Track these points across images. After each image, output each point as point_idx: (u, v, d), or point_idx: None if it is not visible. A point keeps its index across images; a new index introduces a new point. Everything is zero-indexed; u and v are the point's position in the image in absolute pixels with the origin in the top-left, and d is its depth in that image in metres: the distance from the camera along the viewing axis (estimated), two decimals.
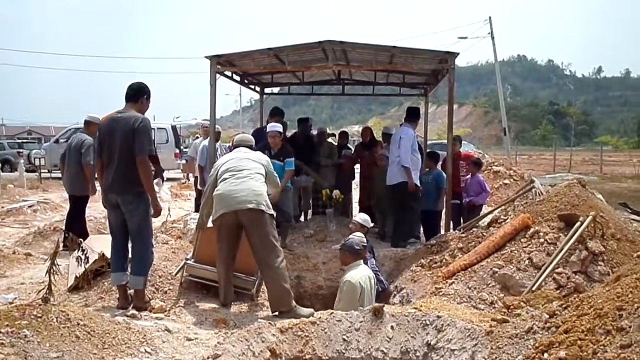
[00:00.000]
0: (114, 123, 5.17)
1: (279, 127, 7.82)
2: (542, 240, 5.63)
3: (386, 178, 8.53)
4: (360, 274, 5.69)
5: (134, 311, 4.99)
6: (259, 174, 5.58)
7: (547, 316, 3.56)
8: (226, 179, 5.48)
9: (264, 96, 13.39)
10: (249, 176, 5.47)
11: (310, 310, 5.15)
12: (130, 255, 5.32)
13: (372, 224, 10.43)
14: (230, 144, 10.14)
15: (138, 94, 5.34)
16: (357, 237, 6.44)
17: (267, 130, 7.78)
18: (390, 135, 9.81)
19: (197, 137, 12.71)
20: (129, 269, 5.22)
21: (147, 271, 5.34)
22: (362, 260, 5.92)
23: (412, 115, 8.85)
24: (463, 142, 10.93)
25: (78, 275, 5.66)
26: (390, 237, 8.69)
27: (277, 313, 5.20)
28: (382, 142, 10.25)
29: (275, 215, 5.52)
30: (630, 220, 7.45)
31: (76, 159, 8.02)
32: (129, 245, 5.34)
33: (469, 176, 9.08)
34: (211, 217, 5.57)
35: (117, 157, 5.12)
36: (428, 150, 10.19)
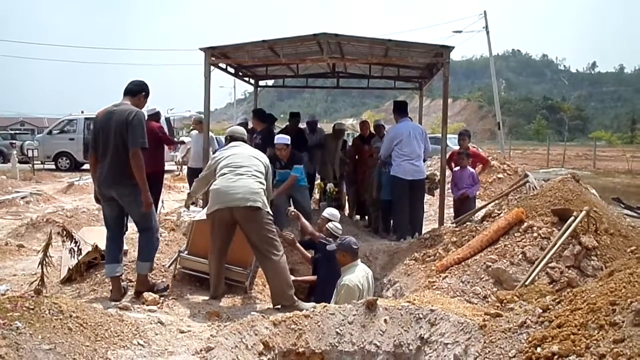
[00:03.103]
0: (109, 116, 5.16)
1: (286, 139, 7.93)
2: (535, 234, 5.64)
3: (406, 172, 8.38)
4: (358, 275, 5.66)
5: (126, 303, 4.99)
6: (258, 172, 5.53)
7: (540, 310, 3.56)
8: (224, 174, 5.44)
9: (259, 89, 13.37)
10: (247, 173, 5.42)
11: (312, 304, 5.15)
12: (123, 246, 5.43)
13: (357, 217, 10.49)
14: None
15: (137, 90, 5.40)
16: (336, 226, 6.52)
17: (275, 142, 7.89)
18: (383, 127, 9.89)
19: (192, 129, 12.66)
20: (136, 257, 5.35)
21: (153, 256, 5.46)
22: (359, 260, 5.91)
23: (406, 109, 8.93)
24: (456, 136, 10.93)
25: (71, 267, 5.65)
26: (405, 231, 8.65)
27: (278, 306, 5.21)
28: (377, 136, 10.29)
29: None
30: (623, 215, 7.47)
31: None
32: (124, 237, 5.43)
33: (457, 168, 9.04)
34: (206, 209, 5.56)
35: (111, 150, 5.11)
36: None
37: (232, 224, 5.38)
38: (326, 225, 6.63)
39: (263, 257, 5.32)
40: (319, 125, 11.24)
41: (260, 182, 5.44)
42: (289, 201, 8.11)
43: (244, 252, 5.66)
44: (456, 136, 10.37)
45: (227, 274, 5.69)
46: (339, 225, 6.70)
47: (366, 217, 10.49)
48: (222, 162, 5.58)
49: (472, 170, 8.86)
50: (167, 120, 23.75)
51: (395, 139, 8.37)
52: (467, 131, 9.85)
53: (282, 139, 7.87)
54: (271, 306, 5.32)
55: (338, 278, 5.86)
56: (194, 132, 11.89)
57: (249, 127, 10.21)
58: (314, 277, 6.54)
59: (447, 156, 8.98)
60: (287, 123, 10.77)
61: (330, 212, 7.04)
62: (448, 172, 9.26)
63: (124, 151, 5.06)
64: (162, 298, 5.25)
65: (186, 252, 5.90)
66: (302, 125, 11.13)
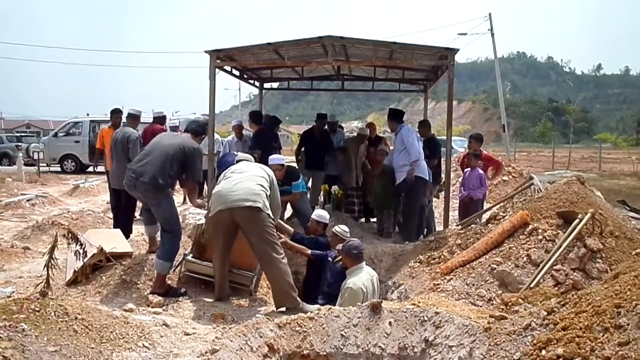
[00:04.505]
0: (172, 139, 5.93)
1: (280, 159, 7.97)
2: (540, 237, 5.63)
3: (426, 172, 8.66)
4: (362, 278, 5.64)
5: (131, 305, 5.00)
6: (262, 178, 5.59)
7: (545, 313, 3.55)
8: (227, 177, 5.58)
9: (264, 91, 13.39)
10: (249, 178, 5.51)
11: (316, 306, 5.15)
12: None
13: (361, 219, 10.45)
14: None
15: (201, 132, 6.17)
16: (341, 229, 6.52)
17: (270, 163, 7.84)
18: None
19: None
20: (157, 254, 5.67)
21: (173, 258, 5.66)
22: (364, 263, 5.91)
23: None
24: (461, 138, 10.96)
25: (76, 270, 5.66)
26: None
27: (283, 309, 5.22)
28: (385, 139, 10.29)
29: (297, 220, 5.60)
30: (628, 217, 7.45)
31: (123, 153, 7.99)
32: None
33: (467, 169, 9.04)
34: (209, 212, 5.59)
35: (156, 155, 5.62)
36: None
37: (234, 226, 5.39)
38: (332, 230, 6.64)
39: (264, 260, 5.32)
40: None
41: (262, 186, 5.46)
42: (285, 206, 8.15)
43: (249, 255, 5.66)
44: (461, 138, 10.39)
45: (232, 277, 5.71)
46: (346, 228, 6.70)
47: (370, 220, 10.45)
48: (226, 173, 5.77)
49: (480, 172, 8.84)
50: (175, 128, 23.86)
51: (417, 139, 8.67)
52: (477, 134, 9.82)
53: (277, 159, 7.81)
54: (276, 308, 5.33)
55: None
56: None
57: (244, 129, 10.37)
58: (308, 251, 6.63)
59: (459, 159, 9.06)
60: (313, 124, 10.89)
61: (318, 213, 7.16)
62: (453, 175, 9.28)
63: (168, 167, 5.55)
64: (167, 300, 5.27)
65: (191, 255, 5.92)
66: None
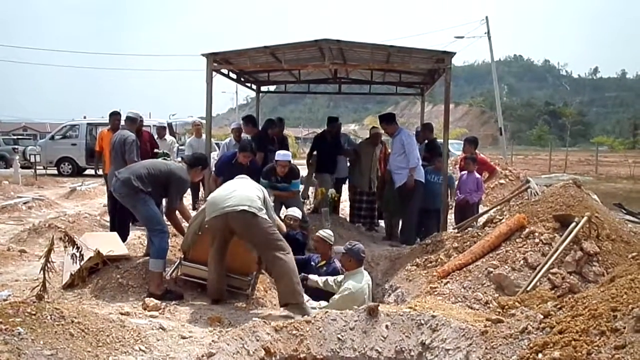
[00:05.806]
0: (166, 163, 6.13)
1: (288, 155, 8.12)
2: (537, 240, 5.63)
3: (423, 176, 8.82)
4: (361, 283, 5.67)
5: (128, 309, 4.99)
6: (258, 190, 5.66)
7: (542, 316, 3.56)
8: (223, 187, 5.70)
9: (260, 94, 13.39)
10: (245, 187, 5.59)
11: (317, 309, 5.16)
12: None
13: (358, 224, 10.43)
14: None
15: (195, 163, 6.22)
16: (326, 233, 6.54)
17: (278, 159, 7.95)
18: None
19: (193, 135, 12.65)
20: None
21: (163, 255, 5.65)
22: (362, 267, 5.91)
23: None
24: (458, 141, 10.99)
25: (73, 273, 5.65)
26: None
27: (285, 307, 5.23)
28: (386, 143, 10.30)
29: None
30: (625, 220, 7.46)
31: (121, 156, 8.00)
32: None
33: (464, 172, 9.05)
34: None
35: (139, 165, 6.03)
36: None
37: (229, 232, 5.40)
38: (318, 235, 6.65)
39: (270, 259, 5.32)
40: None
41: (258, 197, 5.49)
42: (280, 206, 8.26)
43: (246, 260, 5.68)
44: (458, 141, 10.42)
45: (229, 282, 5.71)
46: (330, 232, 6.71)
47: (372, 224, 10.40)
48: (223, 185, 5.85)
49: (477, 176, 8.86)
50: (169, 125, 23.82)
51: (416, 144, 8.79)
52: (472, 137, 9.85)
53: (285, 155, 7.99)
54: (273, 312, 5.33)
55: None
56: (191, 138, 12.07)
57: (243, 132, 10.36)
58: None
59: (457, 162, 9.11)
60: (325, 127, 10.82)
61: (297, 211, 7.43)
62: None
63: (145, 177, 5.69)
64: (163, 303, 5.26)
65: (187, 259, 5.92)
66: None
